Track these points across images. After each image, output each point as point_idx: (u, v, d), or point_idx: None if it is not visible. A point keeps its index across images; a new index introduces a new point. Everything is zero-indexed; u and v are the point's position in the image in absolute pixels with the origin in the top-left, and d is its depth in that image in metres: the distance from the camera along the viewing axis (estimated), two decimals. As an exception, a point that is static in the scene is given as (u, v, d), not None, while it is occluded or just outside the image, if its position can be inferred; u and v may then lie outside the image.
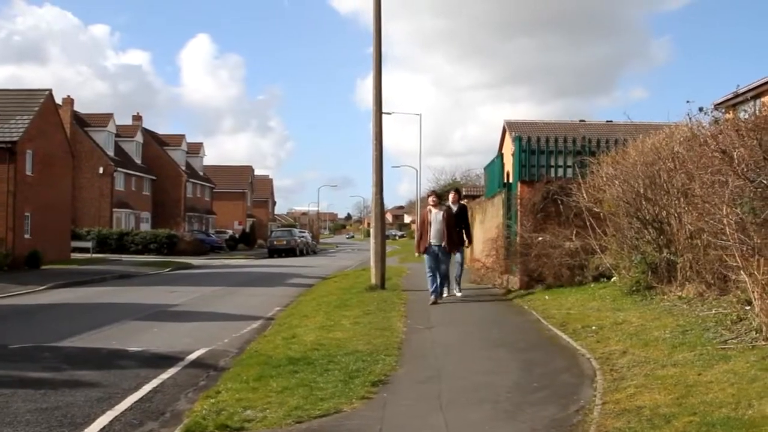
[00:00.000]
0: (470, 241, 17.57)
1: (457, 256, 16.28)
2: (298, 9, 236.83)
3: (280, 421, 6.66)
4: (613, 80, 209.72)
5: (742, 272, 8.35)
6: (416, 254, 16.78)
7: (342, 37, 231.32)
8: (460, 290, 16.32)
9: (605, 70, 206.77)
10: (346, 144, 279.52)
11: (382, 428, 6.40)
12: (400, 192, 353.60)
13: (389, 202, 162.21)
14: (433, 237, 15.10)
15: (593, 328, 10.46)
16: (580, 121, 53.18)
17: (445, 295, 15.67)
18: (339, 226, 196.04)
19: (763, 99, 17.99)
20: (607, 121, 53.11)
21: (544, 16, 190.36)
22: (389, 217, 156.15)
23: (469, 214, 18.31)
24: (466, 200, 21.61)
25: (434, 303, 14.79)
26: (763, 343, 7.71)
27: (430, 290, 15.07)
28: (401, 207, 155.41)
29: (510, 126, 49.67)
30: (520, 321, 12.49)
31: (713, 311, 9.67)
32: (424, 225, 15.39)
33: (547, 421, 6.39)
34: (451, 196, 16.86)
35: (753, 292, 8.15)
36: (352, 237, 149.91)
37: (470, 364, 9.08)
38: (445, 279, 15.56)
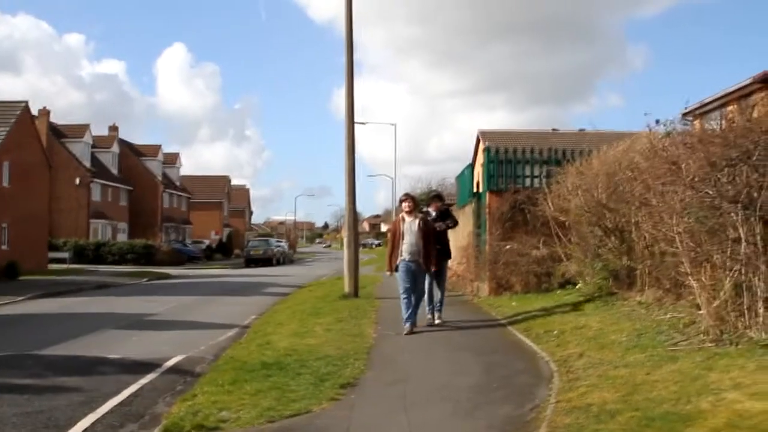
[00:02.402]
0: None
1: (437, 276, 13.14)
2: (274, 18, 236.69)
3: (253, 421, 7.07)
4: (589, 87, 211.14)
5: (690, 278, 8.86)
6: (387, 273, 13.12)
7: (318, 46, 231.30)
8: (440, 317, 13.19)
9: (582, 76, 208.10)
10: (323, 153, 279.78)
11: (349, 427, 6.83)
12: (377, 200, 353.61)
13: (366, 211, 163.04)
14: (406, 251, 12.19)
15: (555, 332, 10.94)
16: (553, 130, 53.86)
17: (428, 317, 13.00)
18: (316, 235, 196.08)
19: (728, 108, 18.57)
20: (579, 130, 53.77)
21: (519, 23, 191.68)
22: (366, 226, 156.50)
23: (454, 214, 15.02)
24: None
25: (410, 333, 12.12)
26: (710, 344, 8.21)
27: (404, 316, 12.30)
28: (378, 216, 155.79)
29: (483, 135, 50.18)
30: (486, 327, 12.94)
31: (668, 315, 10.16)
32: (395, 237, 12.47)
33: (503, 418, 6.85)
34: (432, 206, 13.88)
35: (701, 296, 8.67)
36: (329, 246, 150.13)
37: (435, 367, 9.52)
38: (420, 301, 12.60)
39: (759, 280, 8.15)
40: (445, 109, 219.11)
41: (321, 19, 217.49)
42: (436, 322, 13.02)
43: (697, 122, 13.62)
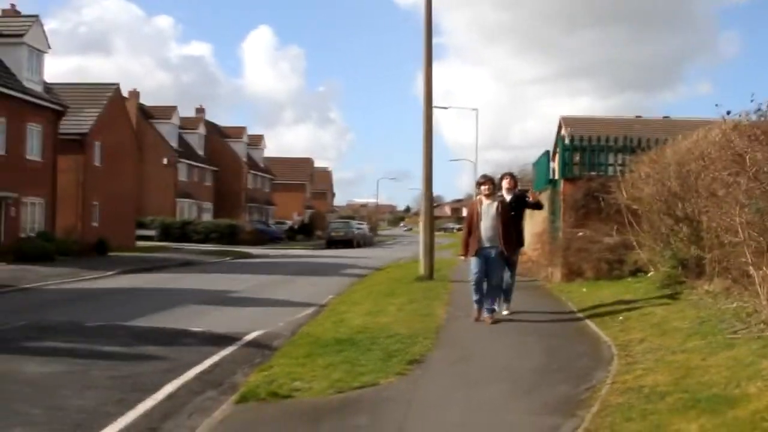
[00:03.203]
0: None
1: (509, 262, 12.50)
2: (358, 2, 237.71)
3: (324, 391, 7.55)
4: (677, 75, 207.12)
5: (752, 268, 9.04)
6: (461, 257, 12.66)
7: (401, 30, 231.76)
8: (508, 308, 12.59)
9: (670, 63, 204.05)
10: (406, 136, 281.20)
11: (411, 399, 7.25)
12: (459, 185, 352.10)
13: (448, 195, 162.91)
14: (483, 236, 11.62)
15: (620, 318, 11.19)
16: (636, 116, 53.17)
17: (496, 308, 12.15)
18: (398, 218, 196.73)
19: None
20: (665, 117, 53.11)
21: (607, 9, 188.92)
22: (447, 210, 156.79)
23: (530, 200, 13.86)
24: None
25: (478, 319, 11.85)
26: (769, 333, 8.40)
27: (475, 301, 11.96)
28: (459, 200, 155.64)
29: (565, 121, 49.91)
30: (556, 311, 13.22)
31: (734, 305, 10.29)
32: (473, 220, 11.82)
33: (559, 397, 7.19)
34: (504, 182, 12.94)
35: (761, 286, 8.85)
36: (410, 230, 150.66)
37: (499, 348, 9.87)
38: (498, 290, 12.16)
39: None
40: (528, 95, 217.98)
41: (405, 3, 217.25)
42: (504, 313, 12.38)
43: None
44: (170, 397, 7.86)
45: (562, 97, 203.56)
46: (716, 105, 12.65)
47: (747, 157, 9.09)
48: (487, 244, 11.66)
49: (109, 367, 9.12)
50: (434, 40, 20.19)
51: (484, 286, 11.83)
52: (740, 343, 8.19)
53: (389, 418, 6.60)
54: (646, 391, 6.82)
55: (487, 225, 11.66)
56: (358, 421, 6.54)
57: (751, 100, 9.79)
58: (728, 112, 11.69)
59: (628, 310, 11.77)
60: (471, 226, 11.87)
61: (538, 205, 14.18)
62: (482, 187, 12.03)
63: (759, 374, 6.75)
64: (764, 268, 8.84)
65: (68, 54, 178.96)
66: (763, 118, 9.72)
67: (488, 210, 11.73)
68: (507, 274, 12.45)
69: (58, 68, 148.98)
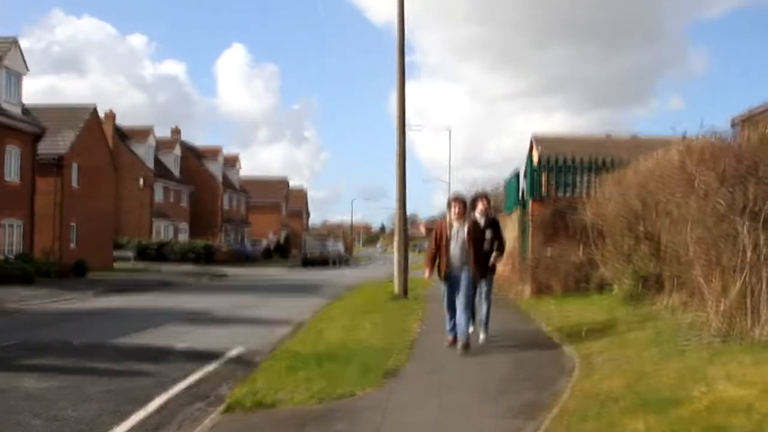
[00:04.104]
0: (501, 254, 12.47)
1: (483, 286, 11.92)
2: (333, 20, 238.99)
3: (305, 401, 8.10)
4: (650, 90, 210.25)
5: (701, 282, 9.73)
6: (427, 277, 11.89)
7: (376, 48, 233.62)
8: (486, 332, 11.96)
9: (642, 79, 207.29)
10: (381, 155, 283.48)
11: (387, 406, 7.84)
12: (434, 203, 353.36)
13: (423, 214, 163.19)
14: (453, 261, 10.97)
15: (584, 331, 11.85)
16: (606, 135, 54.12)
17: (471, 330, 11.27)
18: (373, 237, 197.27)
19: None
20: (633, 136, 54.11)
21: (579, 25, 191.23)
22: (422, 230, 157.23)
23: (502, 228, 13.03)
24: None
25: (452, 344, 11.20)
26: (718, 343, 9.08)
27: (448, 328, 11.42)
28: (434, 219, 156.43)
29: (537, 140, 50.55)
30: (524, 326, 13.89)
31: (690, 318, 11.00)
32: (441, 242, 11.08)
33: (523, 402, 7.81)
34: (479, 205, 12.03)
35: (709, 299, 9.54)
36: (386, 250, 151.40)
37: (470, 360, 10.47)
38: (469, 313, 11.07)
39: (763, 284, 9.02)
40: (503, 112, 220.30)
41: (379, 21, 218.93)
42: (481, 337, 11.79)
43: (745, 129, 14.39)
44: (161, 408, 8.38)
45: (535, 113, 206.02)
46: (672, 128, 13.39)
47: (696, 178, 9.80)
48: (456, 269, 10.96)
49: (101, 382, 9.62)
50: (408, 58, 20.98)
51: (457, 311, 11.01)
52: (691, 352, 8.89)
53: (367, 422, 7.19)
54: (602, 396, 7.45)
55: (456, 249, 10.96)
56: (339, 426, 7.11)
57: (701, 126, 10.52)
58: (684, 135, 12.53)
59: (592, 323, 12.43)
60: (439, 247, 11.11)
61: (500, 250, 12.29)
62: (453, 208, 11.16)
63: (704, 379, 7.42)
64: (713, 282, 9.53)
65: (42, 73, 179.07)
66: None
67: (458, 234, 11.00)
68: (484, 305, 11.96)
69: (32, 87, 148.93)
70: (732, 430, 5.74)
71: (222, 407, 8.13)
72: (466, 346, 10.88)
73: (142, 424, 7.66)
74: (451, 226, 11.10)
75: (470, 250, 10.93)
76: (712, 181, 9.62)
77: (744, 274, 9.16)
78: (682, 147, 11.73)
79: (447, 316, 11.39)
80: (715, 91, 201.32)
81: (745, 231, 9.08)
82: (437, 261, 11.24)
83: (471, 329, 11.29)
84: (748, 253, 9.08)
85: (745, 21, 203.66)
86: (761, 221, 9.02)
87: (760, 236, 9.08)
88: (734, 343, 8.91)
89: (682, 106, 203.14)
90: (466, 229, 11.03)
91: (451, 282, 11.09)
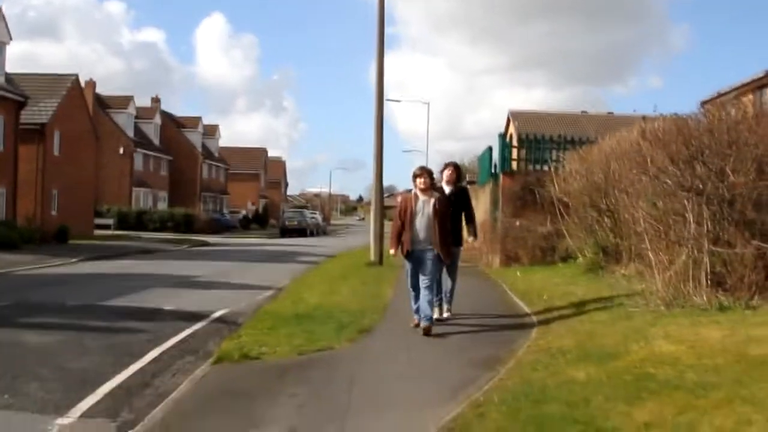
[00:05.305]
0: (475, 236, 12.50)
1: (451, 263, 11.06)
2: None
3: (287, 354, 8.96)
4: (630, 67, 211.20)
5: (650, 253, 10.66)
6: (392, 254, 11.15)
7: (356, 18, 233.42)
8: (449, 311, 11.58)
9: (622, 56, 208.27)
10: (359, 126, 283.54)
11: (361, 358, 8.72)
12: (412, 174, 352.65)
13: (402, 185, 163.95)
14: (417, 237, 10.18)
15: (545, 297, 12.78)
16: (582, 112, 55.26)
17: (435, 315, 10.66)
18: (351, 208, 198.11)
19: (743, 99, 20.14)
20: (609, 113, 55.29)
21: (562, 0, 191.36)
22: (400, 200, 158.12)
23: (472, 198, 12.91)
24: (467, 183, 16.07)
25: (417, 326, 10.39)
26: (663, 308, 10.01)
27: (413, 308, 10.61)
28: (410, 190, 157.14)
29: (514, 116, 51.71)
30: (491, 292, 14.81)
31: (642, 286, 11.95)
32: (405, 216, 10.28)
33: (483, 357, 8.70)
34: (445, 173, 11.70)
35: (656, 268, 10.48)
36: (363, 219, 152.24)
37: (437, 323, 11.36)
38: (432, 292, 10.24)
39: (704, 256, 9.95)
40: (482, 85, 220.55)
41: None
42: (444, 315, 11.38)
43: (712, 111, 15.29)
44: (155, 360, 9.21)
45: (516, 88, 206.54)
46: (634, 110, 14.27)
47: (648, 158, 10.70)
48: (420, 246, 10.17)
49: (99, 338, 10.46)
50: (388, 30, 21.83)
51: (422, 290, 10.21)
52: (638, 316, 9.83)
53: (343, 370, 8.07)
54: (553, 351, 8.37)
55: (421, 225, 10.18)
56: (318, 374, 7.99)
57: (654, 110, 11.40)
58: (644, 117, 13.43)
59: (554, 290, 13.38)
60: (403, 222, 10.30)
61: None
62: (418, 180, 10.44)
63: (644, 338, 8.35)
64: (660, 253, 10.46)
65: (17, 39, 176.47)
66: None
67: (423, 208, 10.22)
68: (448, 282, 11.46)
69: (8, 54, 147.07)
70: (658, 377, 6.63)
71: (212, 359, 8.96)
72: (428, 331, 10.00)
73: (140, 371, 8.51)
74: (416, 199, 10.32)
75: (435, 227, 10.11)
76: (664, 161, 10.50)
77: (689, 247, 10.08)
78: (641, 127, 12.61)
79: (411, 297, 10.66)
80: (695, 69, 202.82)
81: (690, 207, 9.98)
82: (403, 236, 10.36)
83: (435, 314, 10.64)
84: (692, 227, 9.99)
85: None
86: (704, 198, 9.92)
87: (704, 212, 9.99)
88: (677, 308, 9.85)
89: (661, 85, 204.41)
90: (432, 203, 10.21)
91: (415, 260, 10.31)
